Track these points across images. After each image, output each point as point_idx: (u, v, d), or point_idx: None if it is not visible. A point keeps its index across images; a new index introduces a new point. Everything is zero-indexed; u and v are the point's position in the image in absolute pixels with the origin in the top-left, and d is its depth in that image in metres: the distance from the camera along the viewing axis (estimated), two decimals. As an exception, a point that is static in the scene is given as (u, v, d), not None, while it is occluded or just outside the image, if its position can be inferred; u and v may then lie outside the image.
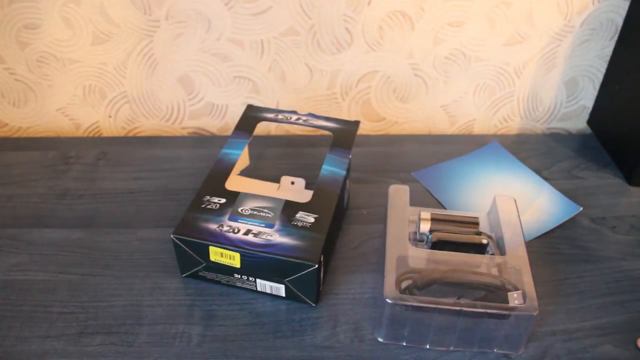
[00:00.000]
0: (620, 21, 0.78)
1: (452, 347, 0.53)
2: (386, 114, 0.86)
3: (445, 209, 0.70)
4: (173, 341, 0.54)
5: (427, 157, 0.78)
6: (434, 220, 0.58)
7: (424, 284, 0.52)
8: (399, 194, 0.61)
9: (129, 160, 0.77)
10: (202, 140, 0.81)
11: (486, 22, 0.77)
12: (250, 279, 0.56)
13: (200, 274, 0.58)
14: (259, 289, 0.57)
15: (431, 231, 0.58)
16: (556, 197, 0.71)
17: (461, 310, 0.50)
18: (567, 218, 0.68)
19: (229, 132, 0.86)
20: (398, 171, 0.76)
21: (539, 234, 0.66)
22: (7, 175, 0.73)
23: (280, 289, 0.56)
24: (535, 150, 0.80)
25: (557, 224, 0.68)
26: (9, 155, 0.77)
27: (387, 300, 0.50)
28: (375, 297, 0.58)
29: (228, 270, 0.56)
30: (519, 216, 0.59)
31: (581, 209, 0.70)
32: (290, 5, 0.74)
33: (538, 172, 0.76)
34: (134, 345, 0.53)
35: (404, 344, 0.54)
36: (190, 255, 0.56)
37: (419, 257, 0.55)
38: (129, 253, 0.63)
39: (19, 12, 0.73)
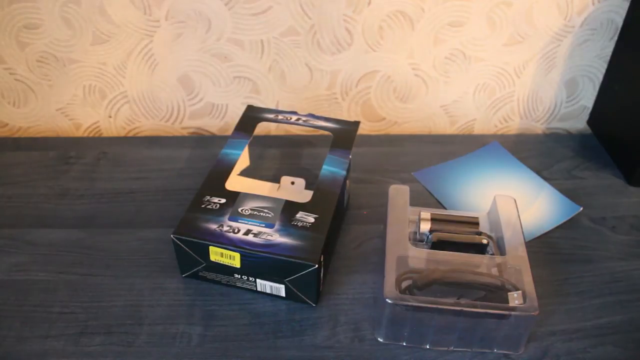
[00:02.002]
0: (620, 21, 0.78)
1: (452, 347, 0.53)
2: (386, 114, 0.86)
3: (445, 209, 0.70)
4: (173, 341, 0.54)
5: (427, 157, 0.78)
6: (434, 220, 0.58)
7: (424, 284, 0.52)
8: (399, 194, 0.61)
9: (129, 160, 0.77)
10: (202, 140, 0.81)
11: (486, 22, 0.77)
12: (250, 279, 0.56)
13: (201, 274, 0.58)
14: (259, 289, 0.57)
15: (431, 231, 0.58)
16: (556, 197, 0.71)
17: (461, 310, 0.50)
18: (567, 218, 0.68)
19: (229, 132, 0.86)
20: (398, 171, 0.76)
21: (539, 234, 0.66)
22: (7, 175, 0.73)
23: (280, 289, 0.56)
24: (535, 150, 0.80)
25: (557, 224, 0.68)
26: (9, 155, 0.77)
27: (387, 300, 0.50)
28: (375, 297, 0.58)
29: (228, 270, 0.56)
30: (519, 216, 0.59)
31: (581, 209, 0.70)
32: (290, 5, 0.74)
33: (538, 172, 0.76)
34: (134, 345, 0.53)
35: (404, 344, 0.54)
36: (191, 255, 0.56)
37: (419, 257, 0.55)
38: (129, 253, 0.63)
39: (19, 12, 0.73)
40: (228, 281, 0.58)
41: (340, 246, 0.64)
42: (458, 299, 0.51)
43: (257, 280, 0.56)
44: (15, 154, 0.77)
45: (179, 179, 0.73)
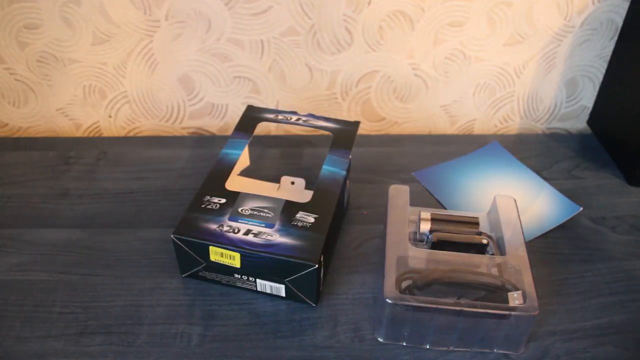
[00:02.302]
0: (620, 21, 0.78)
1: (452, 347, 0.53)
2: (386, 114, 0.86)
3: (445, 209, 0.70)
4: (173, 341, 0.54)
5: (427, 157, 0.78)
6: (434, 220, 0.58)
7: (424, 284, 0.52)
8: (399, 194, 0.61)
9: (129, 160, 0.77)
10: (202, 140, 0.81)
11: (486, 22, 0.77)
12: (250, 279, 0.56)
13: (201, 274, 0.58)
14: (259, 289, 0.57)
15: (431, 231, 0.58)
16: (556, 197, 0.71)
17: (461, 310, 0.50)
18: (567, 218, 0.68)
19: (229, 132, 0.86)
20: (398, 171, 0.76)
21: (539, 234, 0.66)
22: (7, 175, 0.73)
23: (280, 289, 0.56)
24: (535, 150, 0.80)
25: (557, 224, 0.68)
26: (9, 155, 0.77)
27: (387, 300, 0.50)
28: (375, 297, 0.58)
29: (228, 270, 0.56)
30: (519, 216, 0.59)
31: (581, 209, 0.70)
32: (290, 5, 0.74)
33: (538, 172, 0.76)
34: (134, 345, 0.53)
35: (404, 344, 0.54)
36: (191, 255, 0.56)
37: (419, 257, 0.55)
38: (129, 253, 0.63)
39: (19, 12, 0.73)
40: (228, 281, 0.58)
41: (340, 246, 0.64)
42: (458, 299, 0.51)
43: (257, 280, 0.56)
44: (15, 154, 0.77)
45: (179, 179, 0.73)
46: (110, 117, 0.84)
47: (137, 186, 0.72)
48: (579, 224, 0.68)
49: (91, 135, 0.86)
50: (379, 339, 0.54)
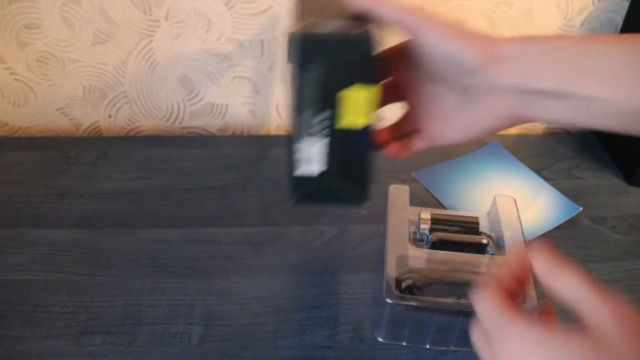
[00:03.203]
0: (620, 21, 0.78)
1: (452, 347, 0.53)
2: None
3: (445, 209, 0.70)
4: (173, 341, 0.54)
5: (427, 157, 0.78)
6: (434, 220, 0.58)
7: (424, 284, 0.52)
8: (399, 194, 0.61)
9: (129, 160, 0.77)
10: (202, 140, 0.81)
11: (486, 22, 0.77)
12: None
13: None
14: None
15: (431, 231, 0.58)
16: (556, 197, 0.71)
17: (461, 310, 0.50)
18: (567, 218, 0.68)
19: (229, 132, 0.86)
20: (398, 171, 0.76)
21: (539, 234, 0.66)
22: (7, 175, 0.73)
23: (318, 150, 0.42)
24: (535, 150, 0.80)
25: (557, 224, 0.68)
26: (9, 155, 0.77)
27: (387, 300, 0.50)
28: (375, 297, 0.58)
29: None
30: (519, 216, 0.59)
31: (581, 209, 0.70)
32: (291, 5, 0.74)
33: (538, 172, 0.76)
34: (134, 345, 0.53)
35: (404, 344, 0.54)
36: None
37: (419, 257, 0.55)
38: (129, 253, 0.63)
39: (19, 12, 0.73)
40: None
41: (340, 246, 0.64)
42: (458, 299, 0.51)
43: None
44: (15, 154, 0.77)
45: (179, 179, 0.73)
46: (110, 117, 0.84)
47: (137, 186, 0.72)
48: (579, 224, 0.68)
49: (91, 135, 0.86)
50: (379, 339, 0.54)
